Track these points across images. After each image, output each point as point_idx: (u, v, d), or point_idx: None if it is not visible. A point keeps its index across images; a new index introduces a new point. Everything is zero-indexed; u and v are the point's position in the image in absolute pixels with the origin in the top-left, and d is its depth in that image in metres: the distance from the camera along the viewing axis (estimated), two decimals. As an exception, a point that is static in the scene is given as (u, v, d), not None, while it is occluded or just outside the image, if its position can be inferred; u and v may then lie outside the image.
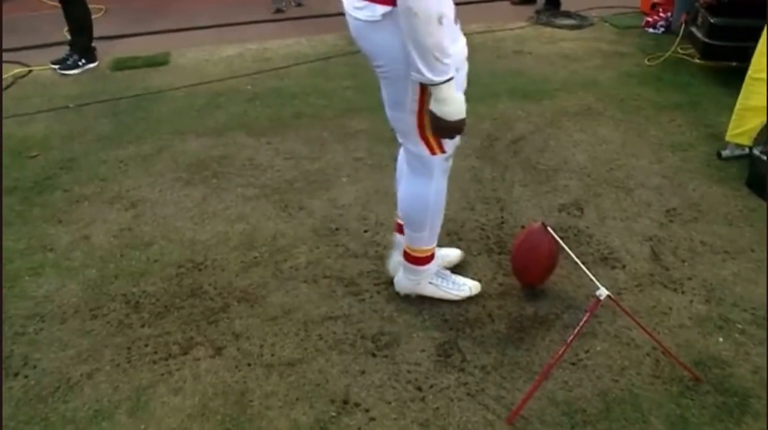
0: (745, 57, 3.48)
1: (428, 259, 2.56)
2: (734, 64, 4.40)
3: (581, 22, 6.05)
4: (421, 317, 2.56)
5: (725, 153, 3.61)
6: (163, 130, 4.19)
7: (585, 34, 5.79)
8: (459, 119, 2.07)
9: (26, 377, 2.36)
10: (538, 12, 6.29)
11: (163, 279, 2.80)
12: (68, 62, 5.13)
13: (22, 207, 3.40)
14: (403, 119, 2.20)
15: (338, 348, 2.42)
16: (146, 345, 2.48)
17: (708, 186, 3.37)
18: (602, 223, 3.10)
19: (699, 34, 4.60)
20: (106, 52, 5.44)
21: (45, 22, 5.93)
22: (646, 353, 2.37)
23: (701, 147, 3.76)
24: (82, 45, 5.16)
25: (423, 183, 2.36)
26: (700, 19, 4.64)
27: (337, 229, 3.11)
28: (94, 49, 5.25)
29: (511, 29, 5.90)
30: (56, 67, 5.15)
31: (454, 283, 2.64)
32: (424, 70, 1.95)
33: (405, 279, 2.62)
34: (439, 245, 2.62)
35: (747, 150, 3.50)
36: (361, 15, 2.04)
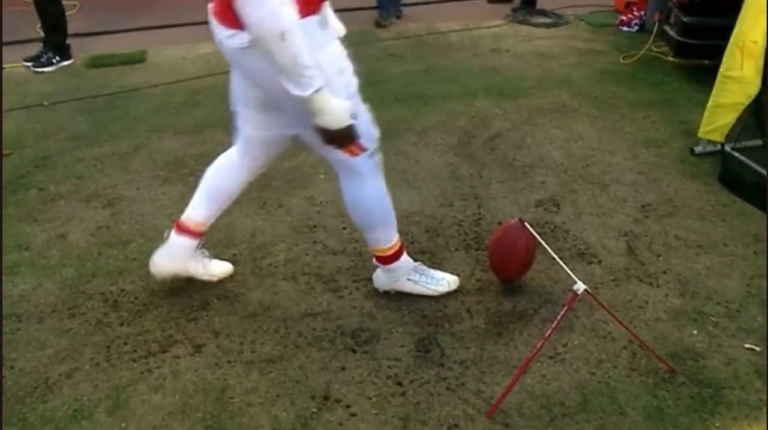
0: (717, 55, 3.53)
1: (394, 256, 2.57)
2: (707, 62, 4.45)
3: (557, 20, 6.10)
4: (400, 312, 2.57)
5: (698, 149, 3.67)
6: (140, 128, 4.16)
7: (560, 32, 5.84)
8: (344, 127, 2.05)
9: (3, 377, 2.34)
10: (514, 10, 6.32)
11: (141, 277, 2.79)
12: (42, 59, 5.07)
13: (-4, 205, 3.37)
14: (312, 134, 2.17)
15: (318, 345, 2.43)
16: (125, 343, 2.47)
17: (682, 182, 3.42)
18: (578, 218, 3.14)
19: (672, 33, 4.67)
20: (81, 49, 5.38)
21: (17, 18, 5.85)
22: (623, 346, 2.40)
23: (675, 143, 3.82)
24: (55, 42, 5.10)
25: (357, 186, 2.38)
26: (673, 18, 4.70)
27: (315, 226, 3.12)
28: (68, 46, 5.19)
29: (488, 27, 5.93)
30: (30, 64, 5.09)
31: (432, 278, 2.66)
32: (289, 86, 1.94)
33: (383, 276, 2.64)
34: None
35: (719, 146, 3.56)
36: (233, 43, 2.04)
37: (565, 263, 2.34)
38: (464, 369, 2.32)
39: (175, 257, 2.63)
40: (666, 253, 2.90)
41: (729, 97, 3.45)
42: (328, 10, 2.21)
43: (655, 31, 5.01)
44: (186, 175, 3.58)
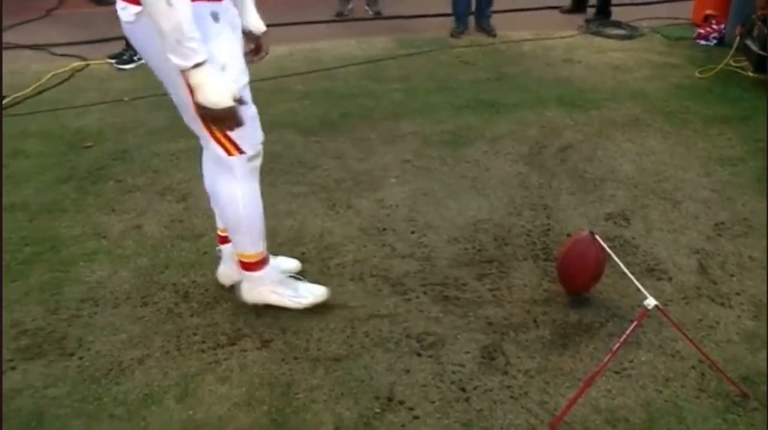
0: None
1: (258, 265, 2.53)
2: (789, 79, 4.34)
3: (631, 32, 6.01)
4: (466, 319, 2.58)
5: (777, 169, 3.57)
6: (214, 126, 4.26)
7: (635, 44, 5.75)
8: (225, 107, 2.00)
9: (81, 358, 2.43)
10: (588, 21, 6.26)
11: (212, 270, 2.85)
12: (124, 57, 5.25)
13: (76, 195, 3.49)
14: (190, 120, 2.17)
15: (383, 346, 2.46)
16: (195, 334, 2.54)
17: (758, 201, 3.34)
18: (649, 234, 3.09)
19: (754, 47, 4.55)
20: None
21: (102, 18, 6.06)
22: (692, 365, 2.36)
23: (751, 161, 3.72)
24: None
25: (227, 181, 2.34)
26: (756, 31, 4.58)
27: (384, 229, 3.14)
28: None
29: (561, 38, 5.89)
30: (113, 61, 5.28)
31: (295, 290, 2.61)
32: (171, 56, 1.93)
33: (246, 287, 2.61)
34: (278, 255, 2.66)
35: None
36: (123, 16, 2.07)
37: (634, 279, 2.31)
38: (528, 379, 2.31)
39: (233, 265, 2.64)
40: (740, 273, 2.83)
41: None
42: (240, 4, 2.26)
43: (735, 45, 4.89)
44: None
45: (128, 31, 2.12)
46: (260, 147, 2.35)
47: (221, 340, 2.50)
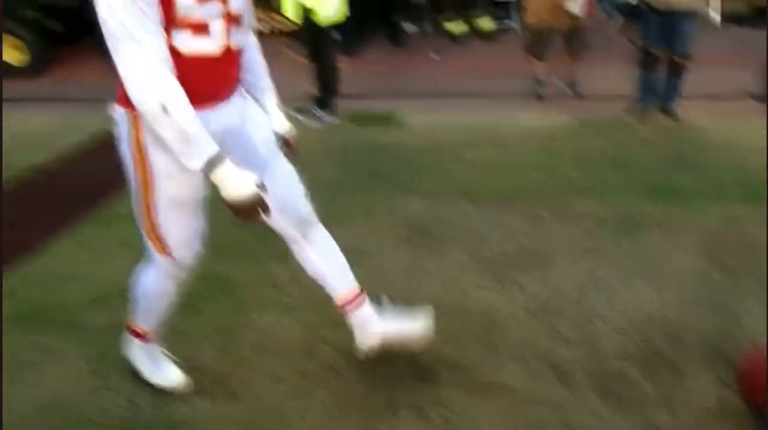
0: None
1: (135, 333, 2.58)
2: None
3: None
4: (630, 419, 2.44)
5: None
6: (387, 186, 4.39)
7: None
8: (245, 198, 2.01)
9: (245, 401, 2.53)
10: (783, 111, 5.90)
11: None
12: (311, 113, 5.54)
13: (254, 242, 3.67)
14: (138, 213, 2.22)
15: (542, 434, 2.38)
16: (354, 395, 2.57)
17: None
18: None
19: None
20: (345, 106, 5.81)
21: (296, 73, 6.43)
22: None
23: None
24: (325, 98, 5.56)
25: (149, 269, 2.38)
26: None
27: (550, 310, 3.07)
28: (335, 103, 5.64)
29: (749, 126, 5.57)
30: (299, 116, 5.59)
31: (155, 364, 2.63)
32: (182, 161, 1.96)
33: (130, 346, 2.64)
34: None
35: None
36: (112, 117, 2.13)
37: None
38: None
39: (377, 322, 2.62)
40: None
41: None
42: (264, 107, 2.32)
43: None
44: (425, 238, 3.70)
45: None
46: (190, 262, 2.36)
47: (378, 406, 2.52)
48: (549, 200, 4.19)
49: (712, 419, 2.45)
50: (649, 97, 5.82)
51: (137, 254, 2.46)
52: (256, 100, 2.41)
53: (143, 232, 2.28)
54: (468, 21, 8.13)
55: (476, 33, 8.00)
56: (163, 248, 2.26)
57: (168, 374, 2.64)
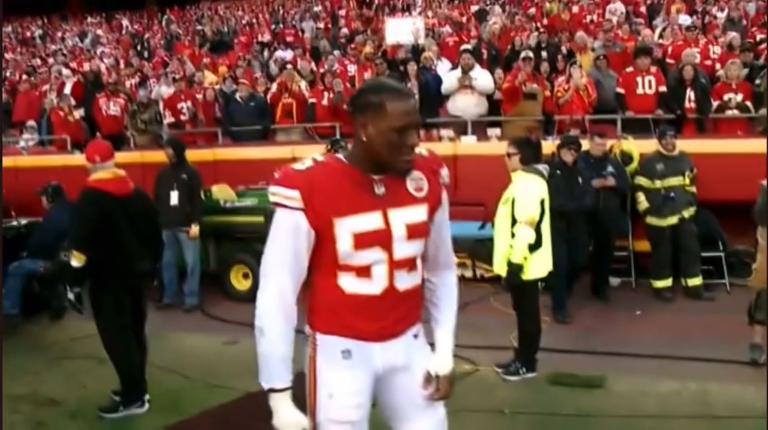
0: None
1: None
2: None
3: None
4: None
5: None
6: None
7: None
8: None
9: None
10: None
11: None
12: (511, 368, 5.52)
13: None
14: None
15: None
16: None
17: None
18: None
19: None
20: (545, 364, 5.70)
21: (498, 325, 6.48)
22: None
23: None
24: (526, 354, 5.53)
25: None
26: None
27: None
28: (536, 360, 5.58)
29: None
30: (500, 370, 5.57)
31: None
32: (259, 372, 2.26)
33: None
34: None
35: None
36: None
37: None
38: None
39: None
40: None
41: None
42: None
43: None
44: None
45: None
46: None
47: None
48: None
49: None
50: None
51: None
52: (434, 335, 2.53)
53: None
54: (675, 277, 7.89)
55: (682, 288, 7.73)
56: None
57: None
